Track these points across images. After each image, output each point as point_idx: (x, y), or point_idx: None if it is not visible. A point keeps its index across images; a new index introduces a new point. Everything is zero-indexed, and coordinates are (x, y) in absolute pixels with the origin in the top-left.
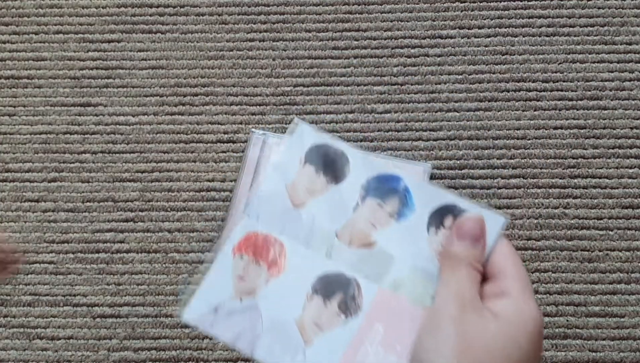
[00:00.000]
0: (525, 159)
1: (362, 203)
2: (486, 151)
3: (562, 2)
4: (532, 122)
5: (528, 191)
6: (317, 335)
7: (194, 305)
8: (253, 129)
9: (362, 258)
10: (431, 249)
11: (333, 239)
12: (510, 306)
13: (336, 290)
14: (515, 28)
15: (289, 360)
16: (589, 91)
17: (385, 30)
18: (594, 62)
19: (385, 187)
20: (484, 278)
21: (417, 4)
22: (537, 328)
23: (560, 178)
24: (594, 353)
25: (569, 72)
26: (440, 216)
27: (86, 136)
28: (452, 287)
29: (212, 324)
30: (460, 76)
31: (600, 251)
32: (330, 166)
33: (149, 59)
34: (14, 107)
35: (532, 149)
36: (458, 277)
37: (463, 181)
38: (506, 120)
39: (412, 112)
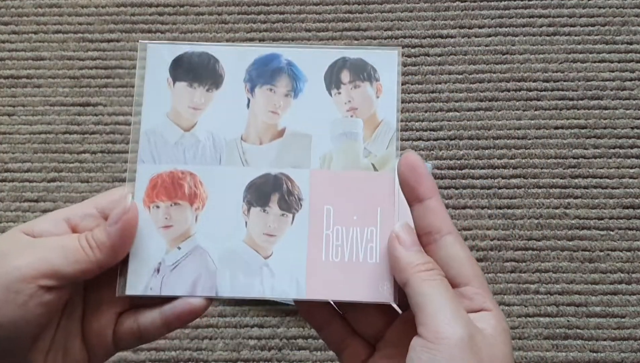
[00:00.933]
0: (526, 159)
1: (253, 96)
2: (487, 151)
3: (562, 2)
4: (532, 122)
5: (529, 191)
6: (272, 244)
7: (131, 277)
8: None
9: (279, 151)
10: (341, 110)
11: (242, 145)
12: (493, 322)
13: (269, 192)
14: (516, 28)
15: (259, 282)
16: (590, 90)
17: (385, 30)
18: (594, 62)
19: (267, 69)
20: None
21: (418, 3)
22: (509, 336)
23: (561, 178)
24: (594, 354)
25: (570, 72)
26: (335, 74)
27: (85, 135)
28: (447, 308)
29: (160, 285)
30: (460, 76)
31: (601, 251)
32: (201, 73)
33: None
34: (13, 107)
35: (533, 149)
36: (445, 294)
37: (463, 181)
38: (507, 120)
39: (412, 112)
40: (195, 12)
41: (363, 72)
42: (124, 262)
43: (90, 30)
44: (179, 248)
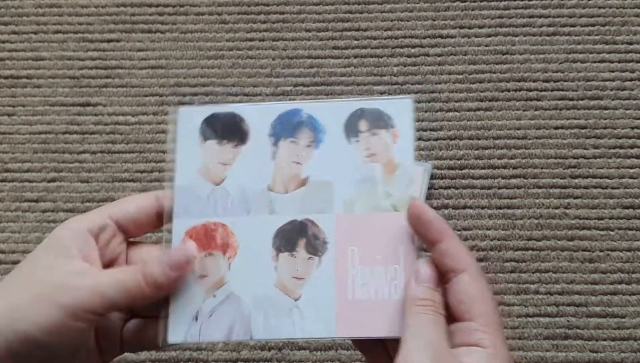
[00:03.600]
0: (526, 159)
1: (277, 149)
2: (487, 151)
3: (562, 2)
4: (532, 122)
5: (529, 191)
6: (301, 287)
7: (173, 325)
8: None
9: (303, 198)
10: (360, 157)
11: (269, 195)
12: (483, 360)
13: (296, 237)
14: (516, 28)
15: (290, 323)
16: (590, 90)
17: (385, 30)
18: (594, 62)
19: (290, 123)
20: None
21: (418, 3)
22: None
23: (561, 178)
24: (594, 354)
25: (570, 72)
26: (354, 124)
27: (85, 136)
28: (422, 338)
29: (199, 332)
30: (460, 76)
31: (601, 251)
32: (228, 131)
33: (149, 59)
34: (13, 107)
35: (533, 149)
36: (426, 325)
37: (463, 181)
38: (507, 120)
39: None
40: (195, 12)
41: (379, 121)
42: (164, 310)
43: (90, 30)
44: (215, 295)
